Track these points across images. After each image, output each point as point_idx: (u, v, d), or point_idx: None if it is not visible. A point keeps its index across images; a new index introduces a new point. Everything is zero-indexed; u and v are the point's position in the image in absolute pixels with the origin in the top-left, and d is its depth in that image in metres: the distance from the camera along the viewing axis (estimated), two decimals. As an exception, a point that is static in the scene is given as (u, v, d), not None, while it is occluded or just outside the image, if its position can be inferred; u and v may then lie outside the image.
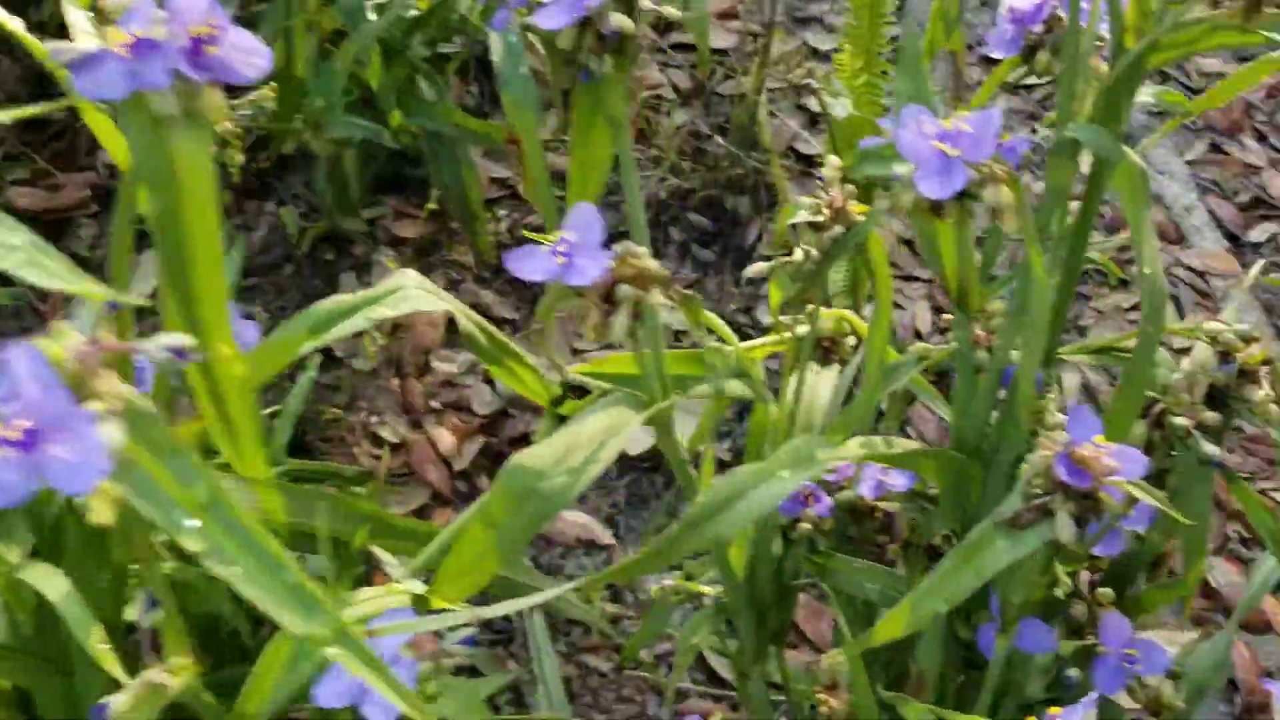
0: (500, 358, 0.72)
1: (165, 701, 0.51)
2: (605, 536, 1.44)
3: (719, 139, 1.72)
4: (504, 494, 0.57)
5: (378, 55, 1.17)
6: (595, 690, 1.33)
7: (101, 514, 0.37)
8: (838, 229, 0.72)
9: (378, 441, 1.50)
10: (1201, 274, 1.65)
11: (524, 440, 1.53)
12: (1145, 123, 1.81)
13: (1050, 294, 0.63)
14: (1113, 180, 0.63)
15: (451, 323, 1.64)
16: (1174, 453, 0.67)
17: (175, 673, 0.52)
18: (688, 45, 1.89)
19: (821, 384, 0.91)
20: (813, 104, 1.81)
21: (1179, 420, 0.66)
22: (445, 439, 1.50)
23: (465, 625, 0.58)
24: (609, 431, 0.61)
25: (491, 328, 0.73)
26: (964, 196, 0.57)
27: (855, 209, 0.73)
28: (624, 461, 1.50)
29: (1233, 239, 1.69)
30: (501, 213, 1.68)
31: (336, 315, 0.64)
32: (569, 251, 0.54)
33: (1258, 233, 1.70)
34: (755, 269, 0.75)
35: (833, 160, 0.73)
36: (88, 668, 0.64)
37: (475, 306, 1.64)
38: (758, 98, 1.66)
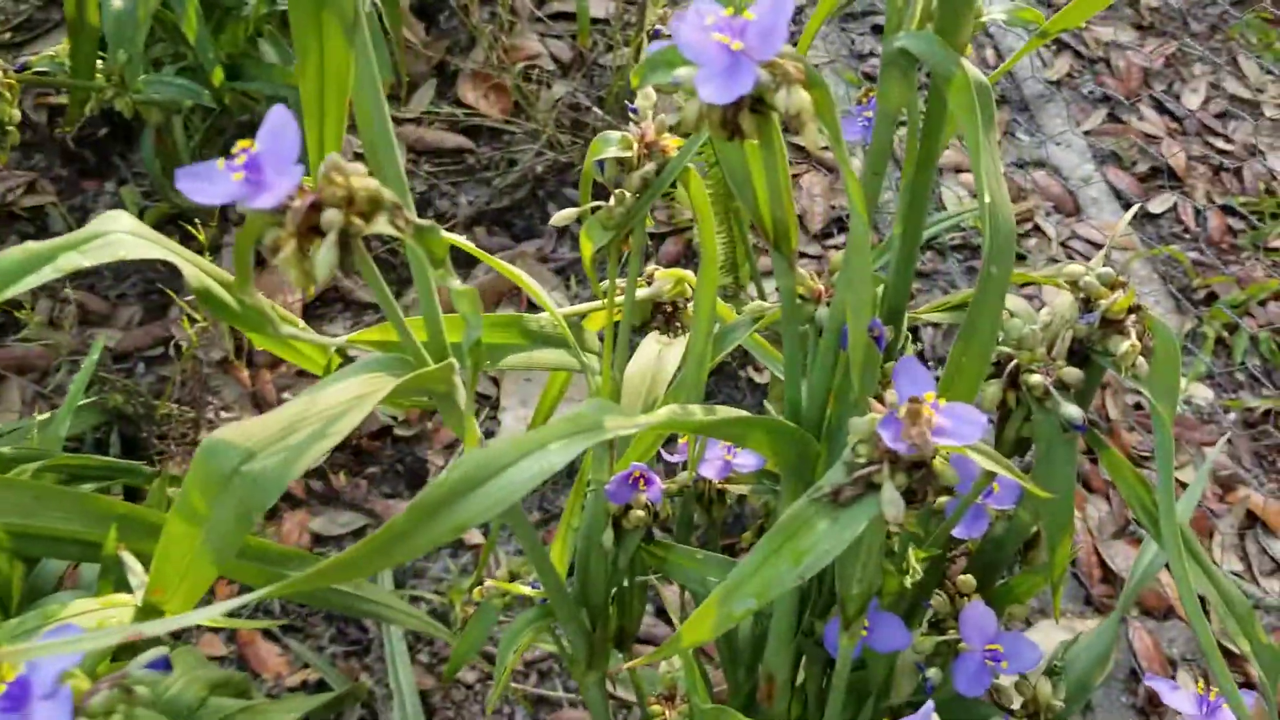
0: (259, 323, 0.61)
1: None
2: (473, 535, 1.33)
3: (599, 111, 1.62)
4: (201, 479, 0.46)
5: (194, 5, 1.05)
6: (459, 703, 1.22)
7: None
8: (649, 167, 0.62)
9: (223, 439, 1.37)
10: (1098, 246, 1.58)
11: (384, 434, 1.41)
12: (1041, 91, 1.74)
13: (868, 231, 0.53)
14: (949, 99, 0.54)
15: (308, 308, 1.53)
16: (1033, 417, 0.58)
17: None
18: (567, 14, 1.79)
19: (669, 356, 0.81)
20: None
21: (1035, 378, 0.57)
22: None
23: (157, 646, 0.47)
24: (354, 402, 0.50)
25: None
26: (759, 106, 0.47)
27: (671, 143, 0.63)
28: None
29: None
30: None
31: (22, 266, 0.52)
32: (254, 165, 0.43)
33: (1156, 204, 1.64)
34: (561, 216, 0.65)
35: (646, 89, 0.63)
36: None
37: (333, 290, 1.53)
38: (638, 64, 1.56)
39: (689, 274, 0.77)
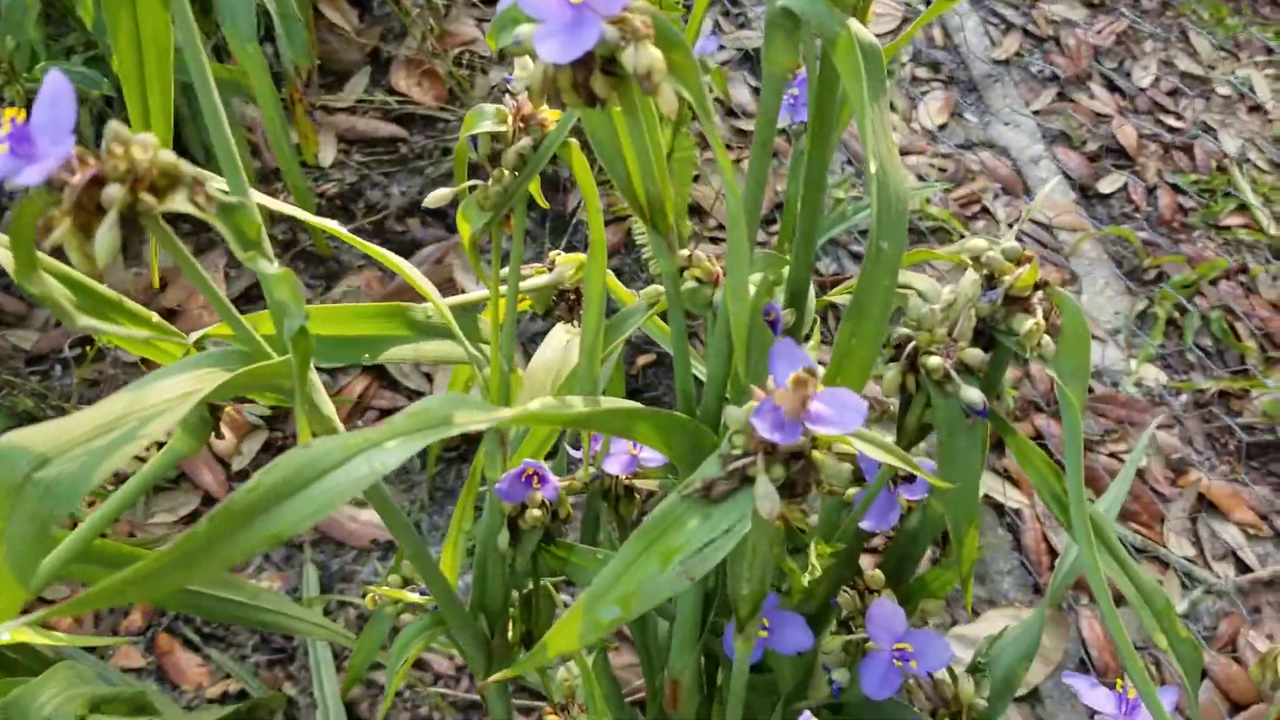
0: (107, 313, 0.56)
1: None
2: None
3: (533, 96, 1.57)
4: (-7, 488, 0.41)
5: (87, -13, 0.99)
6: (390, 715, 1.17)
7: None
8: (525, 142, 0.58)
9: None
10: (1048, 227, 1.55)
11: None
12: (989, 71, 1.71)
13: (742, 206, 0.49)
14: (836, 62, 0.50)
15: (237, 302, 1.47)
16: (933, 402, 0.54)
17: None
18: (504, -2, 1.74)
19: (575, 347, 0.76)
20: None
21: (933, 361, 0.53)
22: (224, 438, 1.33)
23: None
24: (177, 400, 0.45)
25: (90, 280, 0.57)
26: (613, 67, 0.43)
27: (550, 116, 0.59)
28: (424, 454, 1.35)
29: (1081, 190, 1.59)
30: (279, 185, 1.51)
31: None
32: (23, 137, 0.38)
33: (1106, 183, 1.60)
34: (434, 197, 0.61)
35: (524, 59, 0.59)
36: None
37: (255, 286, 1.48)
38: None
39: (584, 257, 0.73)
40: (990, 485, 1.31)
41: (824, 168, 0.59)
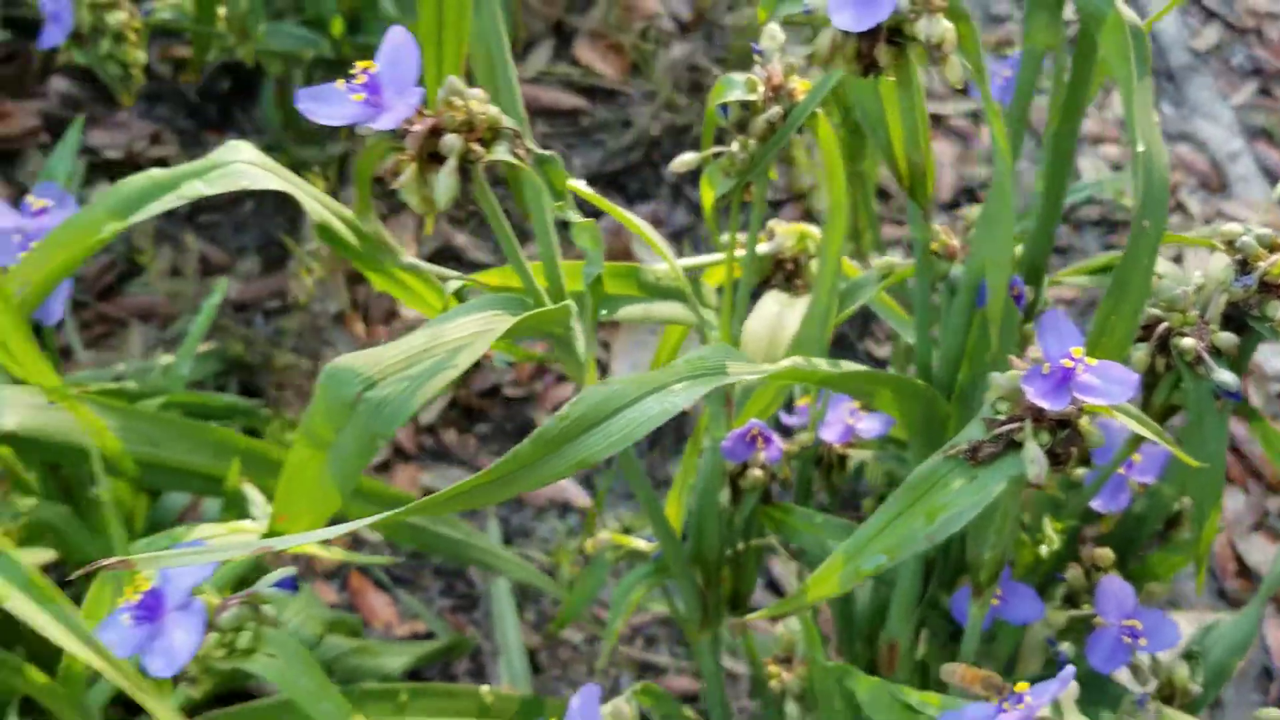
0: (376, 261, 0.61)
1: None
2: (581, 498, 1.33)
3: (720, 71, 1.59)
4: (326, 405, 0.45)
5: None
6: (565, 663, 1.22)
7: None
8: (776, 110, 0.60)
9: (339, 392, 1.39)
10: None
11: (494, 393, 1.42)
12: (1188, 62, 1.66)
13: (1013, 174, 0.50)
14: (1101, 42, 0.51)
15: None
16: (1182, 385, 0.55)
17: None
18: (689, -26, 1.76)
19: (789, 316, 0.79)
20: (821, 38, 1.67)
21: (1187, 342, 0.54)
22: (411, 390, 1.40)
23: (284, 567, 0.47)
24: (475, 336, 0.49)
25: (360, 224, 0.62)
26: (897, 38, 0.44)
27: (800, 85, 0.60)
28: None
29: (1281, 186, 1.53)
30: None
31: (146, 193, 0.53)
32: (373, 87, 0.42)
33: (1310, 179, 1.54)
34: (680, 161, 0.64)
35: (772, 29, 0.61)
36: None
37: (446, 249, 1.54)
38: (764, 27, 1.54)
39: (812, 229, 0.75)
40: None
41: (1072, 145, 0.59)
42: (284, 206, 1.50)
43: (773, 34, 0.60)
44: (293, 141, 1.40)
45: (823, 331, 0.64)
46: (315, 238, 0.58)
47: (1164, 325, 0.55)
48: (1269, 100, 1.63)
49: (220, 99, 1.60)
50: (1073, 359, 0.46)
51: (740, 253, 0.66)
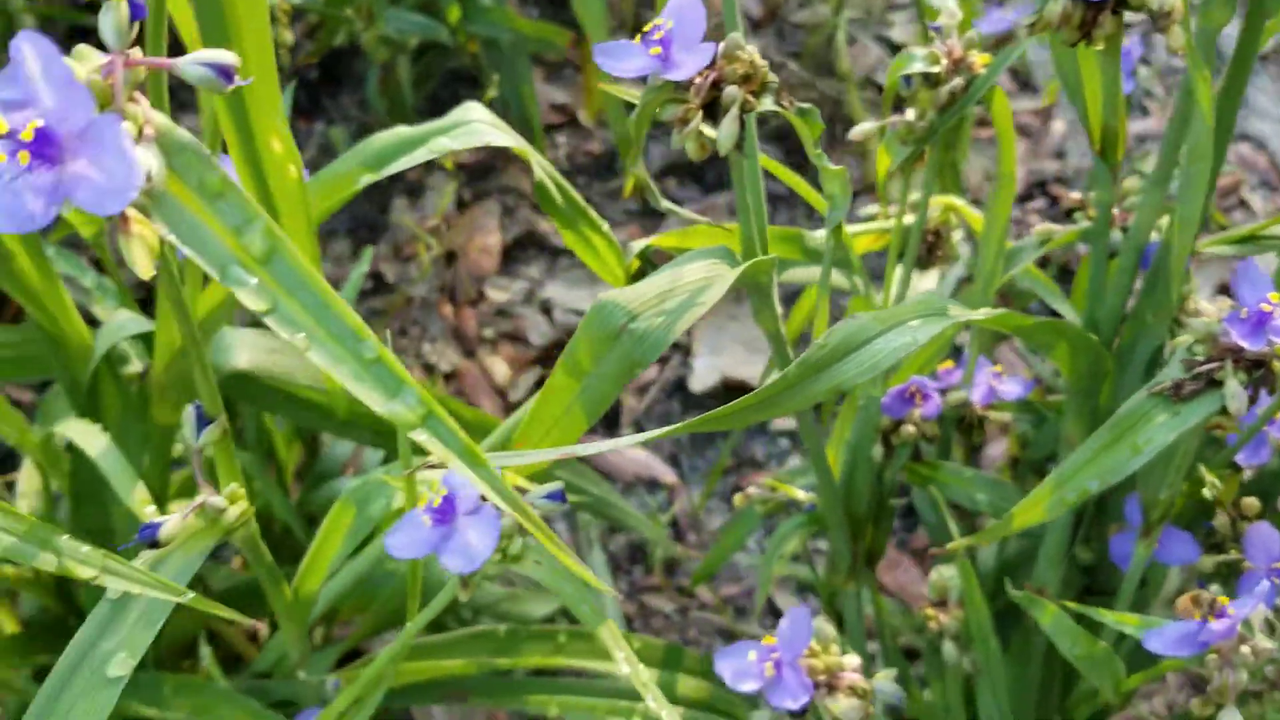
0: (576, 221, 0.65)
1: (219, 534, 0.45)
2: (667, 475, 1.37)
3: (792, 65, 1.64)
4: (591, 335, 0.50)
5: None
6: (658, 631, 1.26)
7: (141, 262, 0.30)
8: (957, 82, 0.64)
9: (429, 369, 1.44)
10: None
11: (582, 373, 1.46)
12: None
13: (1209, 139, 0.55)
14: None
15: (507, 251, 1.58)
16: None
17: (230, 500, 0.46)
18: (760, -27, 1.81)
19: (920, 285, 0.83)
20: (894, 35, 1.72)
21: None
22: (499, 369, 1.44)
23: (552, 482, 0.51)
24: (710, 279, 0.53)
25: (569, 188, 0.66)
26: (1122, 6, 0.49)
27: (979, 59, 0.65)
28: (687, 398, 1.43)
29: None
30: (560, 139, 1.61)
31: (397, 147, 0.57)
32: (665, 41, 0.46)
33: (1368, 180, 1.59)
34: (860, 130, 0.68)
35: (949, 5, 0.65)
36: (129, 532, 0.58)
37: (530, 234, 1.58)
38: (836, 20, 1.58)
39: (957, 201, 0.79)
40: None
41: (1235, 109, 0.63)
42: (373, 194, 1.54)
43: (951, 11, 0.64)
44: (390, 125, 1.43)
45: (986, 292, 0.68)
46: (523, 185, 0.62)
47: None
48: (1327, 103, 1.68)
49: (309, 87, 1.64)
50: (1270, 303, 0.50)
51: (908, 219, 0.70)
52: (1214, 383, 0.51)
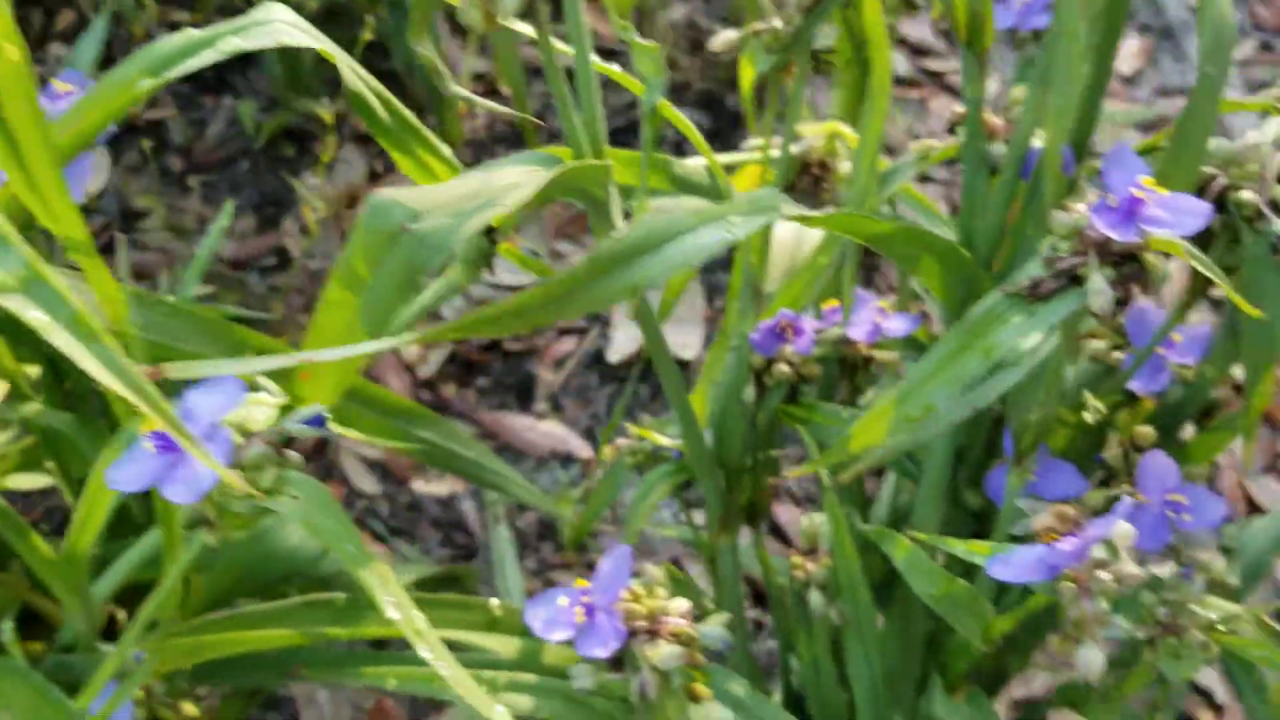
0: (406, 141, 0.59)
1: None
2: (583, 449, 1.31)
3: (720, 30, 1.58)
4: (367, 237, 0.44)
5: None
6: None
7: None
8: (822, -22, 0.59)
9: (335, 346, 1.37)
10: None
11: (494, 347, 1.40)
12: (1185, 18, 1.66)
13: (1078, 25, 0.49)
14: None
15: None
16: (1241, 239, 0.53)
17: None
18: (688, -64, 1.75)
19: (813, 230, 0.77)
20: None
21: (1246, 195, 0.53)
22: (409, 347, 1.37)
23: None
24: (519, 184, 0.47)
25: (395, 101, 0.60)
26: None
27: (843, -42, 0.59)
28: (605, 370, 1.37)
29: None
30: (479, 110, 1.55)
31: (183, 50, 0.51)
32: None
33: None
34: (722, 40, 0.62)
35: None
36: None
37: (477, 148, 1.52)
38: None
39: (843, 127, 0.73)
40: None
41: (1123, 14, 0.58)
42: (277, 165, 1.48)
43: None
44: (294, 97, 1.37)
45: (863, 202, 0.62)
46: (348, 104, 0.56)
47: (1221, 181, 0.53)
48: (1270, 55, 1.64)
49: (215, 65, 1.57)
50: (1141, 188, 0.45)
51: (775, 154, 0.65)
52: (1077, 280, 0.46)
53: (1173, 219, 0.45)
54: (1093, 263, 0.45)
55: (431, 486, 1.28)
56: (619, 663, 0.50)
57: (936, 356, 0.46)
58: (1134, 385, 0.62)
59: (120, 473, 0.41)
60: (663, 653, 0.48)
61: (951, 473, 0.65)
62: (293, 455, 0.44)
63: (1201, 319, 0.69)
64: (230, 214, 0.89)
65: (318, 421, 0.44)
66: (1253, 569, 0.69)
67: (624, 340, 1.38)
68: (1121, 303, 0.47)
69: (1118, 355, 0.64)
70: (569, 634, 0.49)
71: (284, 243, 1.45)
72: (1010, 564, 0.44)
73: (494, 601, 0.76)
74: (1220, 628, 0.57)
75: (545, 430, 1.32)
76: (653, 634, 0.49)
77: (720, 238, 0.43)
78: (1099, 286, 0.44)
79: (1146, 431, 0.61)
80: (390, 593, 0.42)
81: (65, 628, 0.63)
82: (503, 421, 1.32)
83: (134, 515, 0.76)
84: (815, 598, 0.63)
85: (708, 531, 0.71)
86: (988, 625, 0.54)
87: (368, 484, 1.27)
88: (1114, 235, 0.44)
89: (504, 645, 0.74)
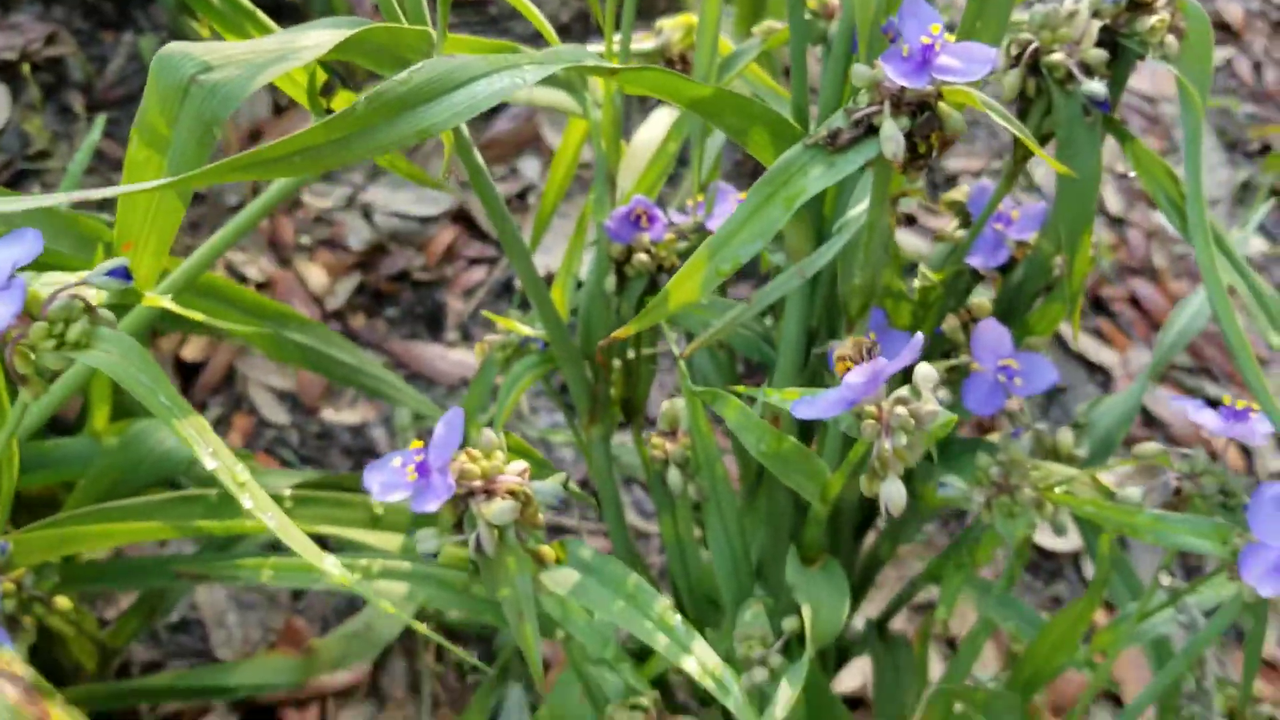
0: (242, 24, 0.58)
1: None
2: (469, 368, 1.31)
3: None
4: (159, 91, 0.43)
5: None
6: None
7: None
8: None
9: (242, 280, 1.36)
10: (1150, 99, 1.52)
11: (403, 277, 1.39)
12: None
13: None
14: None
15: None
16: (1054, 102, 0.54)
17: None
18: None
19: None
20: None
21: (1057, 57, 0.54)
22: (316, 276, 1.37)
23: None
24: (319, 47, 0.47)
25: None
26: None
27: None
28: (513, 298, 1.37)
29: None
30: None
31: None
32: None
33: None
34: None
35: None
36: None
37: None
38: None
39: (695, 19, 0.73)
40: (1084, 345, 1.30)
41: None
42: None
43: None
44: (191, 28, 1.35)
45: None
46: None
47: (1034, 45, 0.54)
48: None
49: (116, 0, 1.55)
50: (931, 36, 0.45)
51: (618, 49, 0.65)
52: (875, 131, 0.47)
53: (964, 67, 0.46)
54: (886, 111, 0.46)
55: (342, 415, 1.28)
56: (461, 527, 0.50)
57: (743, 211, 0.47)
58: (974, 261, 0.64)
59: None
60: (495, 508, 0.49)
61: (805, 354, 0.66)
62: (105, 313, 0.44)
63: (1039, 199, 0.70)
64: (102, 126, 0.88)
65: (120, 273, 0.44)
66: (1103, 444, 0.71)
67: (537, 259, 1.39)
68: (920, 156, 0.48)
69: (960, 233, 0.65)
70: (405, 494, 0.49)
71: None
72: (814, 404, 0.45)
73: (373, 499, 0.76)
74: (1059, 490, 0.59)
75: (456, 359, 1.32)
76: (489, 493, 0.50)
77: (512, 84, 0.43)
78: (891, 133, 0.45)
79: (982, 303, 0.62)
80: (208, 442, 0.43)
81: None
82: (413, 350, 1.32)
83: None
84: (673, 475, 0.65)
85: (581, 423, 0.72)
86: (824, 485, 0.55)
87: (278, 414, 1.27)
88: (906, 84, 0.45)
89: (386, 541, 0.75)
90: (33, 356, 0.43)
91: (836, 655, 0.87)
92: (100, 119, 0.89)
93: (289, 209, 1.42)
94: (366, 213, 1.42)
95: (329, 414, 1.28)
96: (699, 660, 0.50)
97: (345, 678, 1.05)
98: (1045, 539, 1.19)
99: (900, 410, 0.44)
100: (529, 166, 1.49)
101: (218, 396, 1.27)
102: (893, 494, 0.45)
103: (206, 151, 0.44)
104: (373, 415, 1.29)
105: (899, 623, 1.06)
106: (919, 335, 0.43)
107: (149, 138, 0.45)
